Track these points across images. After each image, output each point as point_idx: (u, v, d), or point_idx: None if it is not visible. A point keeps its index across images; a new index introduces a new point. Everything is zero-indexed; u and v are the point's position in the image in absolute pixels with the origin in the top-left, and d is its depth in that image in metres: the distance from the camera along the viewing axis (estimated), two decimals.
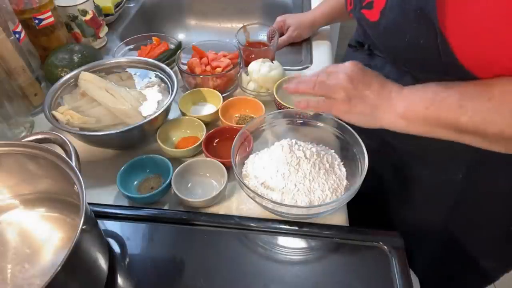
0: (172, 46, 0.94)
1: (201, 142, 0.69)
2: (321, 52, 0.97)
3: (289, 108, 0.72)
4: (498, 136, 0.45)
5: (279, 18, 0.99)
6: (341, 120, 0.60)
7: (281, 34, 0.99)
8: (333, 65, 0.59)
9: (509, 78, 0.44)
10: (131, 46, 0.94)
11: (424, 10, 0.45)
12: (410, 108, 0.51)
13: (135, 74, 0.79)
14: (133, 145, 0.73)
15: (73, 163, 0.51)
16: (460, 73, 0.47)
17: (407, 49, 0.52)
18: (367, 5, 0.56)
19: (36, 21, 0.82)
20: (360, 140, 0.60)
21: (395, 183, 0.72)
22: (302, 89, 0.58)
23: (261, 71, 0.80)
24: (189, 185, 0.66)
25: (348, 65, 0.55)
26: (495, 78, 0.46)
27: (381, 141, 0.60)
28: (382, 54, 0.64)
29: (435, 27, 0.44)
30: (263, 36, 0.95)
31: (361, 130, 0.59)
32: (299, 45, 1.01)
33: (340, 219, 0.61)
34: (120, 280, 0.54)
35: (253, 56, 0.88)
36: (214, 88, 0.80)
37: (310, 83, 0.57)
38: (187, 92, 0.79)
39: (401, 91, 0.53)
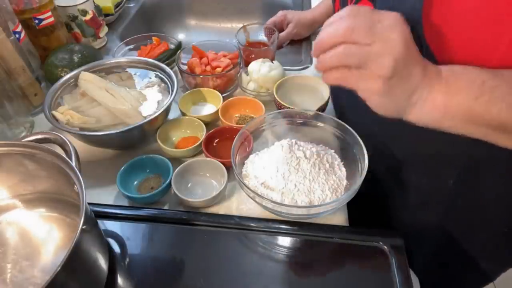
0: (172, 46, 0.94)
1: (201, 142, 0.69)
2: None
3: (289, 108, 0.72)
4: None
5: (280, 12, 0.99)
6: (365, 102, 0.43)
7: (281, 30, 0.99)
8: (373, 11, 0.40)
9: None
10: (131, 46, 0.94)
11: (409, 22, 0.42)
12: (453, 97, 0.41)
13: (135, 74, 0.79)
14: (133, 145, 0.73)
15: (73, 163, 0.51)
16: None
17: None
18: None
19: (36, 21, 0.82)
20: (360, 140, 0.60)
21: (391, 185, 0.72)
22: (330, 58, 0.40)
23: (261, 71, 0.80)
24: (189, 185, 0.66)
25: (400, 21, 0.39)
26: None
27: (373, 148, 0.60)
28: None
29: (420, 39, 0.44)
30: (263, 36, 0.95)
31: None
32: (299, 45, 1.01)
33: (340, 219, 0.61)
34: (120, 280, 0.54)
35: (253, 56, 0.88)
36: (214, 88, 0.80)
37: (336, 53, 0.39)
38: (187, 92, 0.79)
39: (440, 73, 0.41)
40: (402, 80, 0.40)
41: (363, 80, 0.40)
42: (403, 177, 0.68)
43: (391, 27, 0.38)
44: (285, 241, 0.59)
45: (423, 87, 0.41)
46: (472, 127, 0.43)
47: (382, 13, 0.40)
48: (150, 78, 0.78)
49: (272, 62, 0.82)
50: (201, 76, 0.81)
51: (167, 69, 0.76)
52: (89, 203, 0.50)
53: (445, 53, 0.45)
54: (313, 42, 0.41)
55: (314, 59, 0.94)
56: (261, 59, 0.82)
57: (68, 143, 0.55)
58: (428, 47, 0.45)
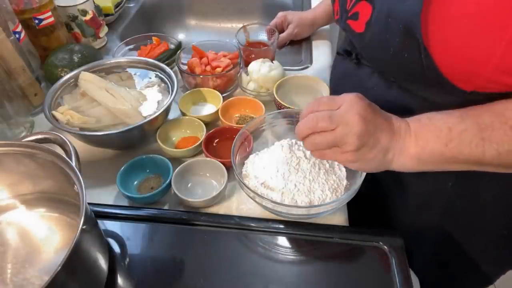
0: (172, 46, 0.94)
1: (201, 142, 0.69)
2: (321, 52, 0.97)
3: (289, 108, 0.72)
4: None
5: (280, 14, 0.99)
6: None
7: (281, 31, 0.99)
8: (332, 98, 0.49)
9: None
10: (131, 46, 0.94)
11: (408, 26, 0.44)
12: (424, 148, 0.46)
13: (135, 74, 0.79)
14: (133, 145, 0.73)
15: (73, 163, 0.51)
16: (444, 85, 0.47)
17: (392, 61, 0.52)
18: (353, 15, 0.56)
19: (36, 21, 0.82)
20: None
21: (390, 186, 0.72)
22: (310, 146, 0.50)
23: (261, 71, 0.80)
24: (189, 185, 0.66)
25: (355, 101, 0.46)
26: (500, 102, 0.45)
27: None
28: (369, 64, 0.64)
29: (418, 42, 0.45)
30: (263, 36, 0.95)
31: None
32: (299, 45, 1.01)
33: (340, 219, 0.61)
34: (120, 280, 0.54)
35: (253, 56, 0.88)
36: (214, 88, 0.80)
37: (308, 143, 0.49)
38: (187, 92, 0.79)
39: (409, 128, 0.47)
40: (371, 147, 0.46)
41: (338, 155, 0.48)
42: (403, 178, 0.68)
43: (347, 111, 0.46)
44: (285, 241, 0.59)
45: (394, 145, 0.47)
46: (451, 166, 0.47)
47: (339, 98, 0.48)
48: (150, 78, 0.78)
49: (272, 62, 0.82)
50: (201, 76, 0.81)
51: (167, 69, 0.76)
52: (89, 203, 0.50)
53: (443, 56, 0.45)
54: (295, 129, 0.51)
55: (314, 60, 0.95)
56: (261, 59, 0.82)
57: (68, 143, 0.55)
58: (426, 50, 0.45)
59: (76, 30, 0.94)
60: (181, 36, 1.26)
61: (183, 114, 0.76)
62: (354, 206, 0.62)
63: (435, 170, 0.49)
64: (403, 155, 0.47)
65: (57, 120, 0.67)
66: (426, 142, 0.46)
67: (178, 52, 0.86)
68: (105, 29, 1.01)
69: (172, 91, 0.71)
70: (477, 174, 0.60)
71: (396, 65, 0.52)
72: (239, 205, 0.64)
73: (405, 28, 0.45)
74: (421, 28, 0.44)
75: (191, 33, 1.28)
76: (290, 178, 0.58)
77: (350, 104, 0.46)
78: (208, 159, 0.66)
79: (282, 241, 0.59)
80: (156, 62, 0.78)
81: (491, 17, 0.41)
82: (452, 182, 0.62)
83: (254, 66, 0.81)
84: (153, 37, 0.95)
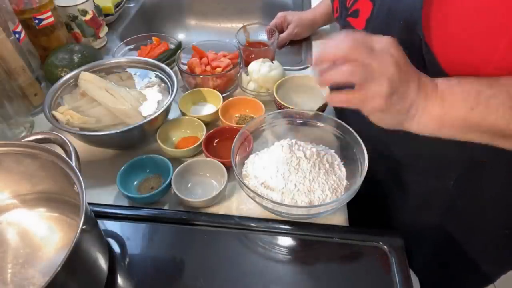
0: (172, 46, 0.94)
1: (201, 142, 0.69)
2: None
3: (289, 108, 0.72)
4: None
5: (280, 14, 0.99)
6: (367, 118, 0.47)
7: (281, 31, 0.99)
8: (368, 35, 0.43)
9: None
10: (131, 46, 0.94)
11: (409, 22, 0.44)
12: (450, 110, 0.43)
13: (135, 74, 0.79)
14: (133, 145, 0.73)
15: (73, 163, 0.51)
16: None
17: None
18: (353, 13, 0.56)
19: (36, 21, 0.82)
20: (360, 140, 0.60)
21: (391, 186, 0.72)
22: (335, 76, 0.42)
23: (261, 71, 0.80)
24: (189, 185, 0.66)
25: (391, 43, 0.42)
26: None
27: (373, 148, 0.60)
28: None
29: (419, 38, 0.45)
30: (263, 36, 0.95)
31: None
32: (299, 45, 1.01)
33: (340, 219, 0.61)
34: (120, 280, 0.54)
35: (253, 56, 0.88)
36: (214, 88, 0.80)
37: (341, 72, 0.41)
38: (187, 92, 0.79)
39: (436, 87, 0.44)
40: (400, 97, 0.42)
41: (366, 101, 0.43)
42: (403, 178, 0.68)
43: (383, 50, 0.41)
44: (285, 241, 0.59)
45: (419, 101, 0.43)
46: (471, 135, 0.44)
47: (375, 37, 0.43)
48: (150, 78, 0.78)
49: (272, 62, 0.82)
50: (201, 76, 0.81)
51: (167, 69, 0.76)
52: (89, 203, 0.50)
53: (444, 52, 0.45)
54: (313, 54, 0.43)
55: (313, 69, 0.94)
56: (261, 59, 0.82)
57: (68, 143, 0.55)
58: (428, 46, 0.45)
59: (76, 30, 0.94)
60: (181, 36, 1.26)
61: (183, 114, 0.76)
62: (354, 206, 0.62)
63: (455, 137, 0.45)
64: (425, 114, 0.44)
65: (57, 120, 0.67)
66: (453, 102, 0.43)
67: (178, 52, 0.86)
68: (105, 29, 1.01)
69: (172, 91, 0.71)
70: (478, 174, 0.60)
71: None
72: (239, 205, 0.64)
73: (406, 24, 0.45)
74: (422, 24, 0.44)
75: (191, 33, 1.28)
76: (290, 178, 0.58)
77: (387, 45, 0.42)
78: (208, 159, 0.66)
79: (282, 241, 0.59)
80: (156, 62, 0.78)
81: (492, 15, 0.41)
82: (453, 181, 0.62)
83: (254, 66, 0.81)
84: (153, 37, 0.95)
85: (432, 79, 0.44)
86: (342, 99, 0.44)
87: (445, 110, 0.43)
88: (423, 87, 0.43)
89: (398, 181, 0.69)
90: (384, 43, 0.42)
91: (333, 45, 0.42)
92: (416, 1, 0.43)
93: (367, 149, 0.58)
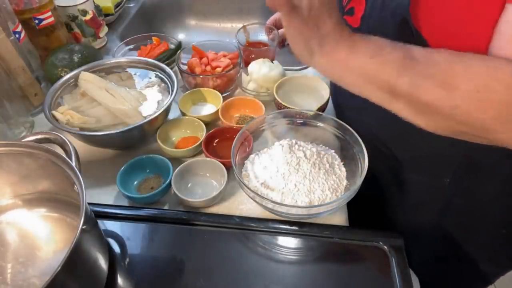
0: (172, 46, 0.94)
1: (201, 142, 0.69)
2: None
3: (289, 108, 0.72)
4: (432, 107, 0.42)
5: (276, 15, 0.99)
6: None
7: (281, 27, 0.99)
8: None
9: (452, 52, 0.42)
10: (131, 46, 0.94)
11: (401, 17, 0.45)
12: (352, 56, 0.44)
13: (135, 74, 0.79)
14: (133, 145, 0.73)
15: (73, 163, 0.51)
16: None
17: None
18: (349, 11, 0.56)
19: (36, 21, 0.82)
20: (360, 140, 0.60)
21: (390, 185, 0.72)
22: None
23: (261, 71, 0.80)
24: (189, 185, 0.66)
25: None
26: (442, 49, 0.43)
27: (372, 148, 0.60)
28: None
29: (413, 34, 0.45)
30: (263, 36, 0.95)
31: None
32: None
33: (340, 219, 0.61)
34: (120, 280, 0.54)
35: (253, 56, 0.88)
36: (214, 88, 0.80)
37: None
38: (187, 92, 0.79)
39: (352, 34, 0.45)
40: (317, 23, 0.43)
41: (288, 16, 0.43)
42: (402, 177, 0.68)
43: None
44: (285, 241, 0.59)
45: (332, 37, 0.44)
46: (369, 86, 0.45)
47: None
48: (150, 78, 0.78)
49: (272, 62, 0.82)
50: (201, 76, 0.81)
51: (167, 69, 0.76)
52: (89, 203, 0.50)
53: (439, 45, 0.45)
54: None
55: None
56: (261, 59, 0.82)
57: (68, 143, 0.55)
58: (421, 36, 0.46)
59: (76, 30, 0.94)
60: (181, 36, 1.26)
61: (183, 114, 0.76)
62: (354, 206, 0.62)
63: (356, 87, 0.46)
64: (334, 54, 0.44)
65: (57, 120, 0.67)
66: (358, 49, 0.44)
67: (178, 52, 0.86)
68: (105, 29, 1.01)
69: (172, 91, 0.71)
70: (474, 172, 0.60)
71: None
72: (239, 205, 0.64)
73: (398, 19, 0.47)
74: (411, 19, 0.45)
75: (191, 33, 1.28)
76: (290, 178, 0.58)
77: None
78: (208, 159, 0.66)
79: (282, 241, 0.59)
80: (156, 62, 0.78)
81: (474, 5, 0.42)
82: (449, 179, 0.62)
83: (254, 66, 0.81)
84: (153, 37, 0.95)
85: (349, 28, 0.46)
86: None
87: (349, 55, 0.44)
88: (340, 28, 0.44)
89: (398, 180, 0.69)
90: None
91: None
92: None
93: (367, 148, 0.58)
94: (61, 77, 0.74)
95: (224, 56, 0.85)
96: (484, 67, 0.39)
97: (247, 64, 0.86)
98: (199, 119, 0.74)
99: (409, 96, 0.42)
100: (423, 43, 0.46)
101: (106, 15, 1.06)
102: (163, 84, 0.76)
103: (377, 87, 0.44)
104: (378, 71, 0.43)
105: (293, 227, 0.59)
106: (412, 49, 0.43)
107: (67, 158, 0.50)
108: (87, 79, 0.72)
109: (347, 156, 0.63)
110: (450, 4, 0.44)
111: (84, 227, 0.43)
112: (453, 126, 0.41)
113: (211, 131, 0.71)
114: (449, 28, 0.45)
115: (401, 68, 0.42)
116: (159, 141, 0.69)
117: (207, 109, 0.79)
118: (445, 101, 0.40)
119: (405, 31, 0.47)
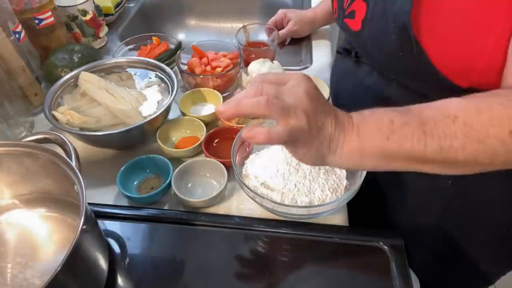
0: (172, 46, 0.94)
1: (201, 142, 0.69)
2: (321, 52, 0.97)
3: None
4: (470, 161, 0.41)
5: (280, 11, 0.99)
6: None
7: (281, 28, 0.99)
8: (278, 73, 0.44)
9: (460, 99, 0.42)
10: (131, 46, 0.94)
11: (401, 24, 0.45)
12: (366, 142, 0.42)
13: (135, 74, 0.79)
14: (133, 145, 0.73)
15: (73, 163, 0.51)
16: (442, 81, 0.48)
17: (388, 59, 0.53)
18: (349, 14, 0.56)
19: (36, 21, 0.82)
20: None
21: (390, 185, 0.72)
22: (247, 107, 0.39)
23: (261, 71, 0.80)
24: (189, 185, 0.66)
25: (301, 78, 0.42)
26: (442, 100, 0.42)
27: None
28: (368, 62, 0.64)
29: (410, 38, 0.46)
30: (263, 36, 0.95)
31: None
32: (299, 45, 1.01)
33: (340, 219, 0.61)
34: (120, 280, 0.54)
35: (253, 56, 0.88)
36: (214, 88, 0.80)
37: (255, 102, 0.39)
38: (187, 92, 0.79)
39: (351, 120, 0.43)
40: (320, 130, 0.41)
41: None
42: (403, 177, 0.68)
43: (294, 86, 0.41)
44: (285, 241, 0.59)
45: (338, 135, 0.42)
46: (394, 163, 0.43)
47: (286, 75, 0.42)
48: (150, 78, 0.78)
49: (272, 62, 0.82)
50: (201, 76, 0.81)
51: (167, 69, 0.76)
52: (89, 203, 0.50)
53: (437, 52, 0.45)
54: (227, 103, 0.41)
55: (314, 59, 0.94)
56: (261, 59, 0.82)
57: (68, 143, 0.55)
58: (419, 45, 0.46)
59: (76, 30, 0.94)
60: (181, 36, 1.26)
61: (183, 114, 0.76)
62: (354, 206, 0.62)
63: (380, 167, 0.44)
64: (345, 147, 0.42)
65: (57, 120, 0.67)
66: (369, 133, 0.42)
67: (178, 52, 0.86)
68: (105, 29, 1.02)
69: (172, 91, 0.71)
70: (475, 173, 0.60)
71: (392, 62, 0.53)
72: (239, 205, 0.64)
73: (399, 26, 0.46)
74: (412, 26, 0.45)
75: (191, 33, 1.28)
76: (290, 178, 0.58)
77: (298, 81, 0.41)
78: (208, 159, 0.66)
79: (282, 241, 0.59)
80: (156, 62, 0.78)
81: (478, 14, 0.41)
82: (452, 180, 0.62)
83: (254, 66, 0.81)
84: (153, 37, 0.95)
85: (346, 113, 0.44)
86: (264, 135, 0.40)
87: (362, 142, 0.42)
88: (340, 121, 0.43)
89: (398, 180, 0.69)
90: (294, 78, 0.42)
91: (241, 93, 0.41)
92: (406, 3, 0.44)
93: None
94: (61, 77, 0.74)
95: (224, 56, 0.85)
96: (498, 103, 0.38)
97: (247, 64, 0.86)
98: (199, 119, 0.74)
99: (444, 161, 0.41)
100: (421, 51, 0.46)
101: (106, 15, 1.06)
102: (163, 84, 0.76)
103: (404, 161, 0.43)
104: (400, 148, 0.41)
105: (293, 227, 0.59)
106: (420, 112, 0.41)
107: (67, 158, 0.50)
108: (87, 79, 0.72)
109: None
110: (453, 15, 0.43)
111: (84, 227, 0.43)
112: (496, 168, 0.42)
113: (211, 131, 0.71)
114: (451, 40, 0.44)
115: (422, 137, 0.40)
116: (159, 141, 0.69)
117: (207, 109, 0.79)
118: (483, 153, 0.39)
119: (405, 38, 0.47)
